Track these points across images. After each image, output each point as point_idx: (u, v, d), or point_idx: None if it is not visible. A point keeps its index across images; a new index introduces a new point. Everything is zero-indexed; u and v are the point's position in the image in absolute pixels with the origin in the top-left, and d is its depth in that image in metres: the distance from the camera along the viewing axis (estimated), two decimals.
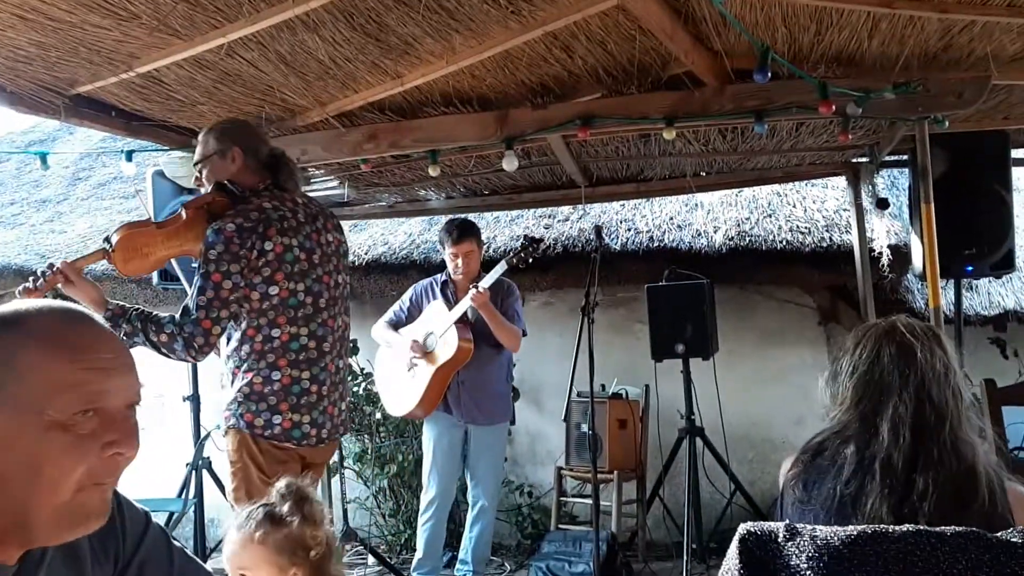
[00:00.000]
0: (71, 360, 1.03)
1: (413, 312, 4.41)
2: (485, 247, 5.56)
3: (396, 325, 4.42)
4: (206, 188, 2.92)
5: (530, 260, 4.28)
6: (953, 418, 1.50)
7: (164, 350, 2.74)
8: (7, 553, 1.04)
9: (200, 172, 2.93)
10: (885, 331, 1.59)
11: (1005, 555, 1.19)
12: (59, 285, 2.69)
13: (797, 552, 1.26)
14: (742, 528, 1.31)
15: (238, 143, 2.84)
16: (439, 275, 4.45)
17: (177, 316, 2.72)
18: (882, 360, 1.55)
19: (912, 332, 1.56)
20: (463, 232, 4.27)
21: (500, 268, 4.20)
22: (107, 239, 2.80)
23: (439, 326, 4.19)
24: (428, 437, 4.36)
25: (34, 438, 1.01)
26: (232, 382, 2.80)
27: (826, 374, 1.65)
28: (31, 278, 2.68)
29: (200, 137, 2.93)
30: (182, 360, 2.80)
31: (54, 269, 2.69)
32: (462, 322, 4.17)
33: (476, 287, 4.08)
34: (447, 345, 4.15)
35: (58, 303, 1.08)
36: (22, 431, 1.00)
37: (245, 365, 2.76)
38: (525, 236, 4.49)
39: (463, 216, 4.65)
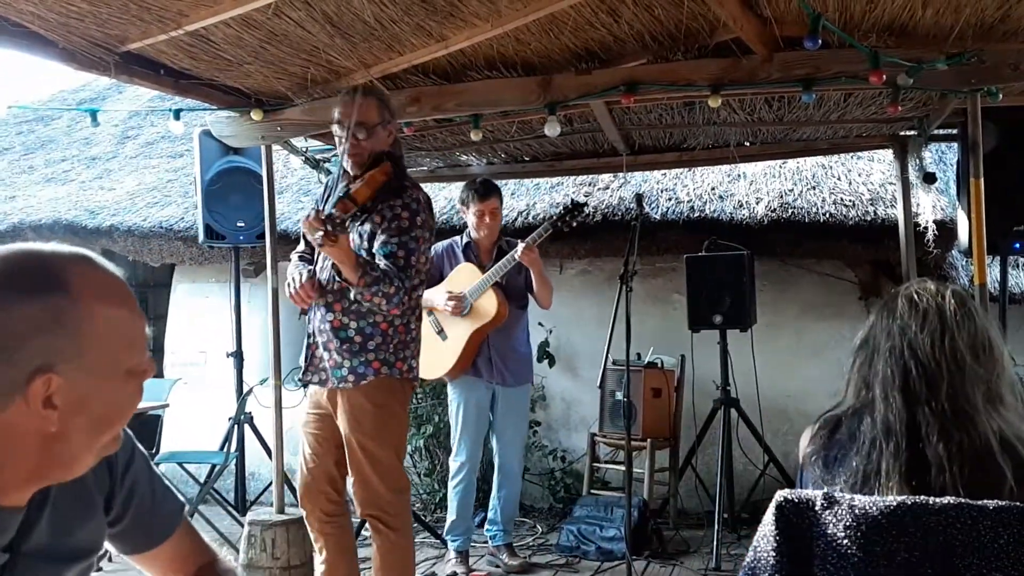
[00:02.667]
0: (129, 309, 1.06)
1: (433, 273, 4.31)
2: (525, 214, 5.58)
3: None
4: (343, 152, 3.01)
5: (574, 224, 4.29)
6: (952, 384, 1.42)
7: (385, 301, 2.95)
8: (21, 495, 1.06)
9: (355, 135, 3.01)
10: (890, 296, 1.55)
11: None
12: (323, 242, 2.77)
13: (835, 521, 1.24)
14: (779, 495, 1.29)
15: (396, 117, 3.00)
16: (457, 238, 4.45)
17: (395, 270, 2.95)
18: (875, 325, 1.52)
19: (908, 295, 1.51)
20: (488, 189, 4.29)
21: (545, 229, 4.21)
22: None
23: (473, 287, 4.22)
24: (456, 401, 4.39)
25: (111, 393, 1.05)
26: (372, 338, 3.03)
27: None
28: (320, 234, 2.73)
29: (357, 98, 2.99)
30: (385, 312, 3.02)
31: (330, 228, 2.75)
32: (495, 284, 4.20)
33: (525, 243, 4.11)
34: (486, 307, 4.18)
35: (68, 249, 1.06)
36: (101, 390, 1.03)
37: (401, 320, 3.08)
38: (571, 200, 4.49)
39: None
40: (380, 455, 3.09)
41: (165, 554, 1.32)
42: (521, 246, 4.12)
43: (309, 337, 3.20)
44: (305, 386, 3.29)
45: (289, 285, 3.09)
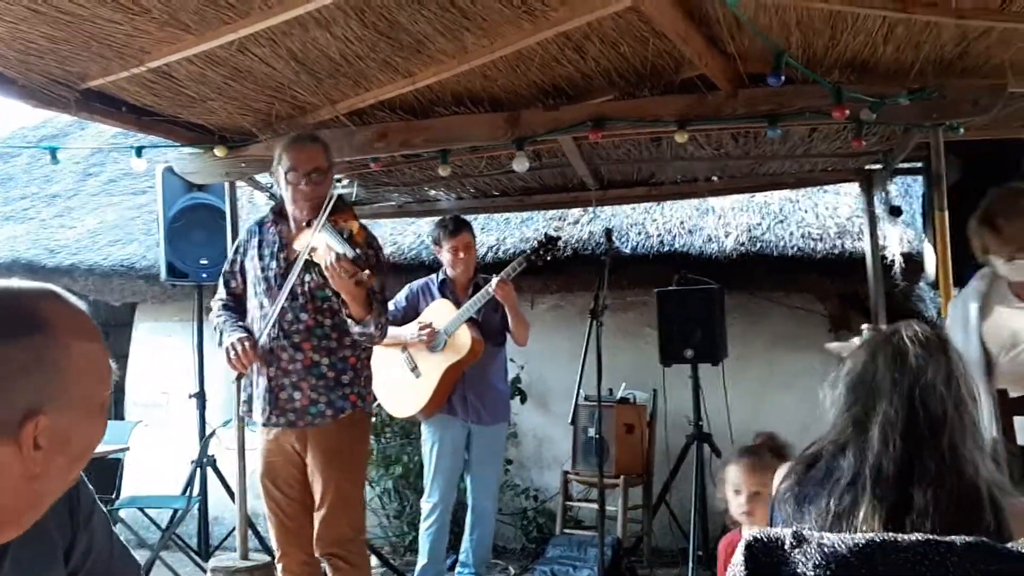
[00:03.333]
0: (99, 342, 1.07)
1: (408, 312, 4.33)
2: (495, 249, 5.55)
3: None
4: (300, 197, 3.09)
5: (548, 258, 4.26)
6: (954, 430, 1.44)
7: (380, 334, 3.13)
8: None
9: (318, 179, 3.09)
10: (886, 336, 1.55)
11: (1014, 566, 1.16)
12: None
13: (804, 560, 1.23)
14: (748, 534, 1.29)
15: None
16: (433, 276, 4.42)
17: (381, 304, 3.11)
18: (876, 363, 1.51)
19: (913, 337, 1.51)
20: (459, 225, 4.27)
21: (519, 263, 4.18)
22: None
23: (448, 322, 4.17)
24: (430, 440, 4.30)
25: (89, 429, 1.06)
26: (345, 373, 3.14)
27: (829, 378, 1.61)
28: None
29: (319, 146, 3.12)
30: (375, 343, 3.22)
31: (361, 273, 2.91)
32: (470, 320, 4.15)
33: (499, 277, 4.07)
34: (460, 343, 4.13)
35: (34, 285, 1.06)
36: (81, 427, 1.04)
37: (364, 354, 3.22)
38: (545, 234, 4.48)
39: None
40: (351, 493, 3.16)
41: None
42: (495, 280, 4.09)
43: (269, 381, 3.13)
44: (267, 425, 3.20)
45: (230, 351, 3.07)
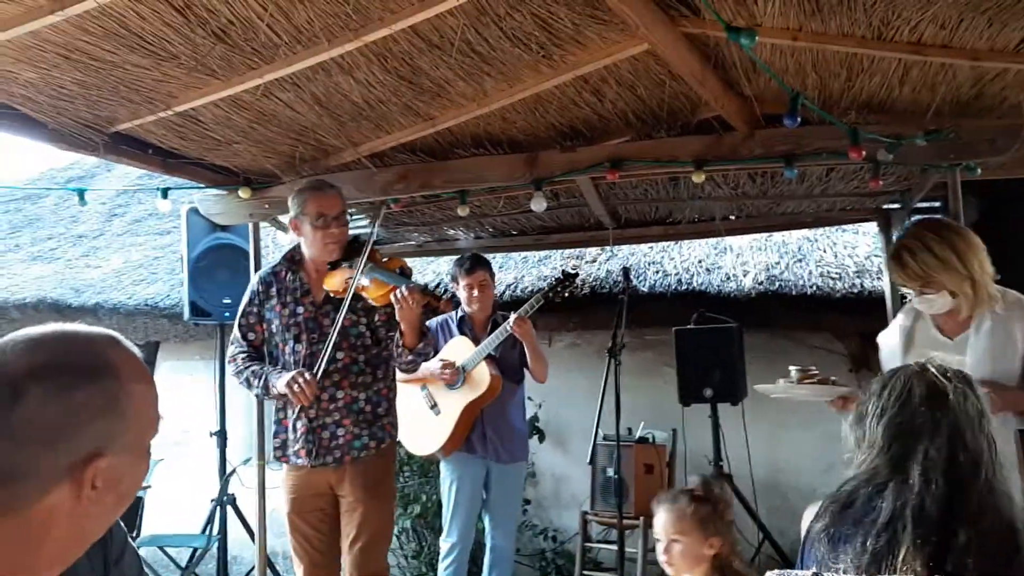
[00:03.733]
0: (153, 386, 1.12)
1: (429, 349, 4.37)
2: (513, 287, 5.58)
3: None
4: (331, 240, 3.27)
5: (566, 295, 4.27)
6: (988, 467, 1.44)
7: (424, 360, 3.48)
8: None
9: (345, 221, 3.31)
10: (915, 372, 1.54)
11: None
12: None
13: None
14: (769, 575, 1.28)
15: None
16: (453, 313, 4.44)
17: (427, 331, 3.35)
18: (912, 402, 1.50)
19: (944, 374, 1.51)
20: (475, 262, 4.29)
21: (537, 300, 4.19)
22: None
23: (467, 359, 4.18)
24: (449, 478, 4.28)
25: (139, 467, 1.10)
26: (380, 404, 3.32)
27: (850, 418, 1.60)
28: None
29: (338, 191, 3.32)
30: (413, 372, 3.66)
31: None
32: (489, 357, 4.16)
33: (517, 314, 4.08)
34: (479, 379, 4.13)
35: (98, 330, 1.11)
36: (133, 467, 1.08)
37: (392, 384, 3.44)
38: (563, 271, 4.50)
39: None
40: (387, 525, 3.34)
41: None
42: (513, 317, 4.10)
43: (310, 421, 3.23)
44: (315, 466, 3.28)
45: (293, 387, 3.11)
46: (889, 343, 3.04)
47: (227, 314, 5.04)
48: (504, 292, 5.52)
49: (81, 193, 4.18)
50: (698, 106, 3.38)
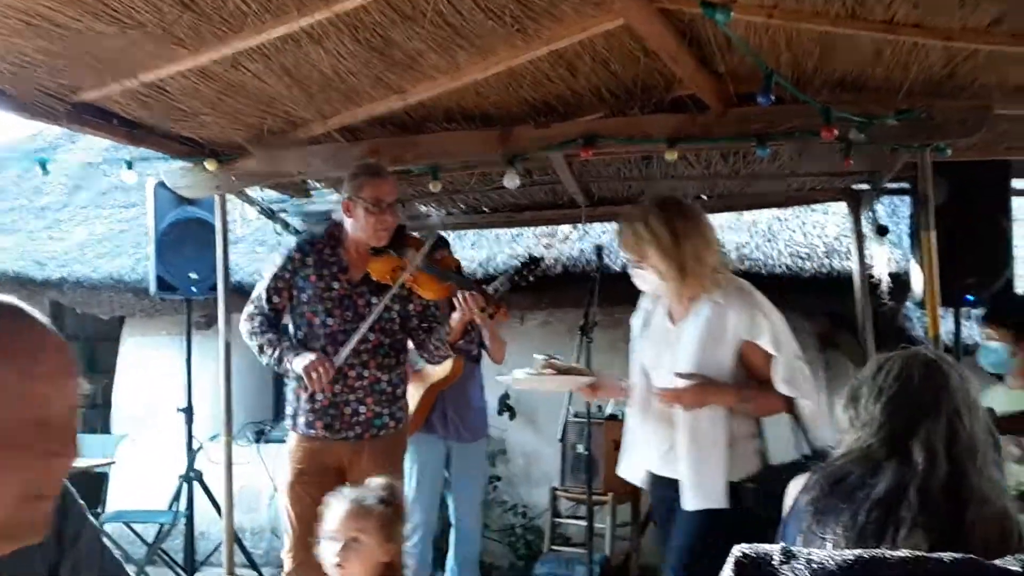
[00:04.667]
0: (19, 370, 0.96)
1: None
2: (485, 264, 5.56)
3: None
4: (381, 227, 3.27)
5: (531, 279, 4.25)
6: (983, 450, 1.45)
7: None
8: None
9: (396, 209, 3.36)
10: (913, 353, 1.55)
11: None
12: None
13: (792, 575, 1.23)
14: (736, 550, 1.28)
15: None
16: None
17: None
18: (913, 380, 1.51)
19: (940, 357, 1.53)
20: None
21: (502, 284, 4.14)
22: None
23: None
24: (410, 460, 4.26)
25: None
26: (399, 386, 3.41)
27: (843, 399, 1.60)
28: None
29: (393, 178, 3.34)
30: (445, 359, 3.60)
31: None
32: None
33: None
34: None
35: None
36: None
37: (406, 372, 3.49)
38: (528, 255, 4.47)
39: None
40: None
41: None
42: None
43: (335, 396, 3.26)
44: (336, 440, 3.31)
45: (312, 373, 3.13)
46: (634, 325, 3.07)
47: (194, 289, 4.98)
48: (476, 270, 5.50)
49: (43, 164, 4.10)
50: (672, 83, 3.37)
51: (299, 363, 3.17)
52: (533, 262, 4.25)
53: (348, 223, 3.32)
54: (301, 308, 3.34)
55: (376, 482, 2.56)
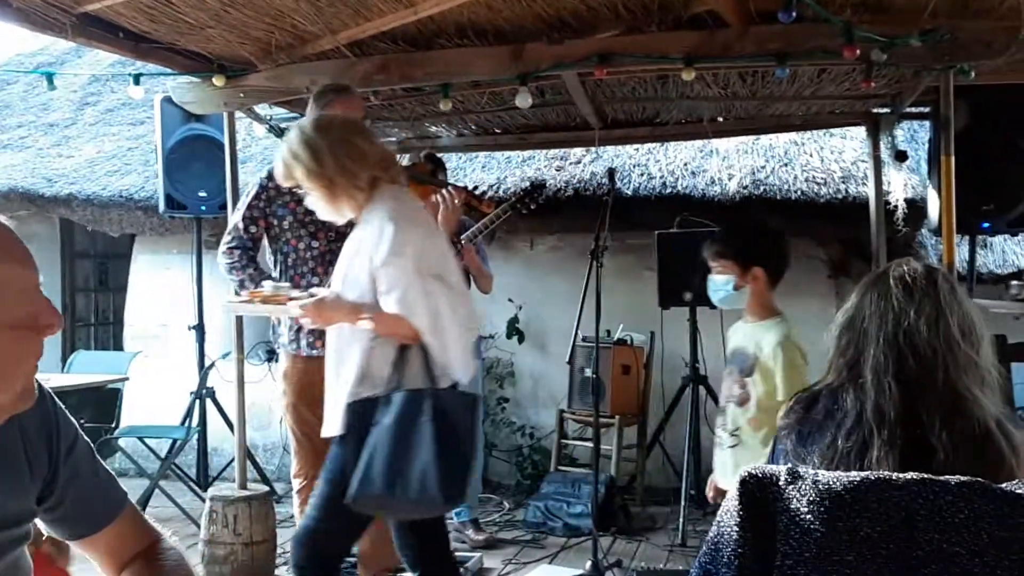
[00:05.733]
0: (18, 262, 1.07)
1: None
2: (496, 187, 5.50)
3: None
4: None
5: (532, 207, 4.21)
6: (948, 369, 1.42)
7: None
8: None
9: None
10: (876, 277, 1.52)
11: (1009, 506, 1.16)
12: None
13: (798, 496, 1.23)
14: (743, 470, 1.28)
15: None
16: None
17: None
18: (863, 307, 1.49)
19: (900, 277, 1.49)
20: (439, 165, 4.21)
21: (503, 212, 4.10)
22: None
23: None
24: None
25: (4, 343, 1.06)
26: None
27: (832, 323, 1.60)
28: None
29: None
30: None
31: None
32: None
33: (465, 237, 4.02)
34: None
35: None
36: None
37: None
38: (531, 181, 4.43)
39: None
40: None
41: (106, 540, 1.30)
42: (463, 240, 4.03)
43: None
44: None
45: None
46: None
47: (203, 207, 4.97)
48: (487, 193, 5.45)
49: (50, 77, 4.04)
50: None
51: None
52: (536, 188, 4.22)
53: None
54: (284, 235, 3.33)
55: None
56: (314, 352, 3.30)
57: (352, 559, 3.57)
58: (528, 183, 4.32)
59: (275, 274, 3.34)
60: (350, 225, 3.16)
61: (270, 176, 3.32)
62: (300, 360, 3.36)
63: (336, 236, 3.25)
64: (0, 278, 1.05)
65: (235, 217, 3.38)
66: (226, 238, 3.36)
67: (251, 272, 3.29)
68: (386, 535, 3.35)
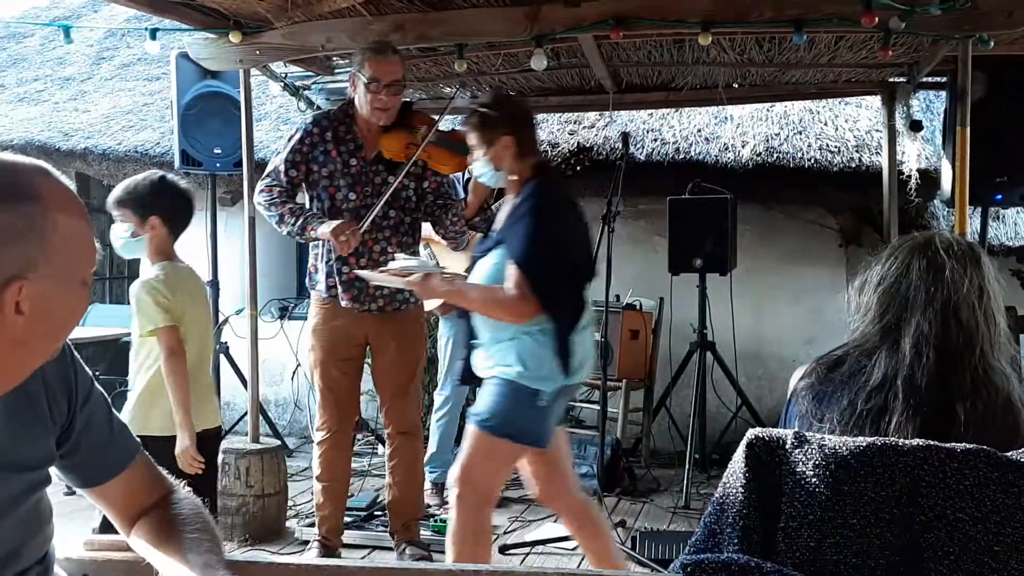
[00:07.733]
0: (86, 221, 1.10)
1: None
2: None
3: None
4: (380, 106, 3.28)
5: (578, 168, 4.17)
6: (984, 343, 1.43)
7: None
8: None
9: (397, 90, 3.32)
10: (920, 244, 1.52)
11: (1014, 474, 1.18)
12: None
13: (804, 459, 1.24)
14: (750, 433, 1.29)
15: None
16: (459, 172, 4.37)
17: None
18: (910, 274, 1.49)
19: (948, 248, 1.49)
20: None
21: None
22: None
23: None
24: (446, 335, 4.40)
25: (71, 301, 1.10)
26: None
27: (855, 283, 1.60)
28: None
29: (398, 58, 3.34)
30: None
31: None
32: None
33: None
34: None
35: (28, 159, 1.09)
36: (63, 298, 1.08)
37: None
38: (577, 144, 4.40)
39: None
40: (419, 373, 3.58)
41: (117, 489, 1.32)
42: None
43: (361, 269, 3.28)
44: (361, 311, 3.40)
45: (341, 236, 3.19)
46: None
47: (218, 164, 4.98)
48: None
49: (67, 30, 4.04)
50: None
51: (324, 229, 3.22)
52: (582, 151, 4.19)
53: (356, 100, 3.34)
54: (323, 183, 3.37)
55: None
56: (343, 304, 3.37)
57: (382, 513, 3.69)
58: (574, 145, 4.31)
59: None
60: (384, 184, 3.29)
61: (315, 122, 3.42)
62: (330, 309, 3.41)
63: (372, 192, 3.33)
64: (74, 232, 1.07)
65: (275, 160, 3.43)
66: (264, 180, 3.42)
67: (291, 206, 3.36)
68: (413, 484, 3.54)
